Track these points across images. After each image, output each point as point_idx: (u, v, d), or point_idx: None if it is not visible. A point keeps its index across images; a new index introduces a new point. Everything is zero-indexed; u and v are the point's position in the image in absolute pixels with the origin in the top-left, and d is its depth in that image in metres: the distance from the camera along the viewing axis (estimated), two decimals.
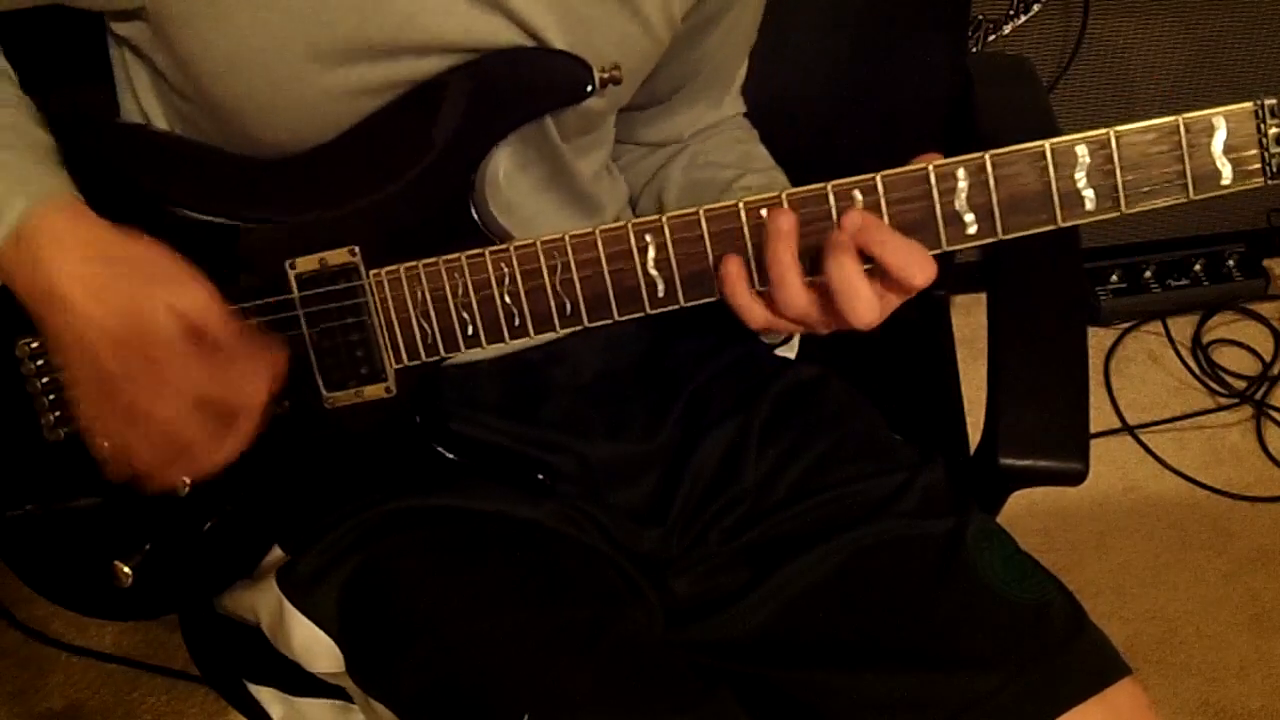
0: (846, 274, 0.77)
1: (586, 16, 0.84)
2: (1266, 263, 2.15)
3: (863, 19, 1.27)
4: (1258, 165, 0.76)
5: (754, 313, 0.81)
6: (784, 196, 0.79)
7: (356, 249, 0.84)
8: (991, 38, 1.86)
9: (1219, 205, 2.09)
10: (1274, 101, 0.75)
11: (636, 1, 0.86)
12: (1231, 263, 2.11)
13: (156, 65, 0.85)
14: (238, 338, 0.82)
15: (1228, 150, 0.75)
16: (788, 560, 0.93)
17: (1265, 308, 2.14)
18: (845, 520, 0.95)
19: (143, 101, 0.89)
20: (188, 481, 0.87)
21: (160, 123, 0.90)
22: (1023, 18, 1.85)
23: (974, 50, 1.84)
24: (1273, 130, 0.75)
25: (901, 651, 0.89)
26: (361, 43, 0.80)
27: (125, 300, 0.79)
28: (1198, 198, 0.77)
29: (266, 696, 1.02)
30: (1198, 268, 2.10)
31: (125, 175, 0.88)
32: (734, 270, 0.79)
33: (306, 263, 0.85)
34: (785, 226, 0.77)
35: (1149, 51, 1.90)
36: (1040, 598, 0.91)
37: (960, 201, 0.78)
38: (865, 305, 0.77)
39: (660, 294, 0.82)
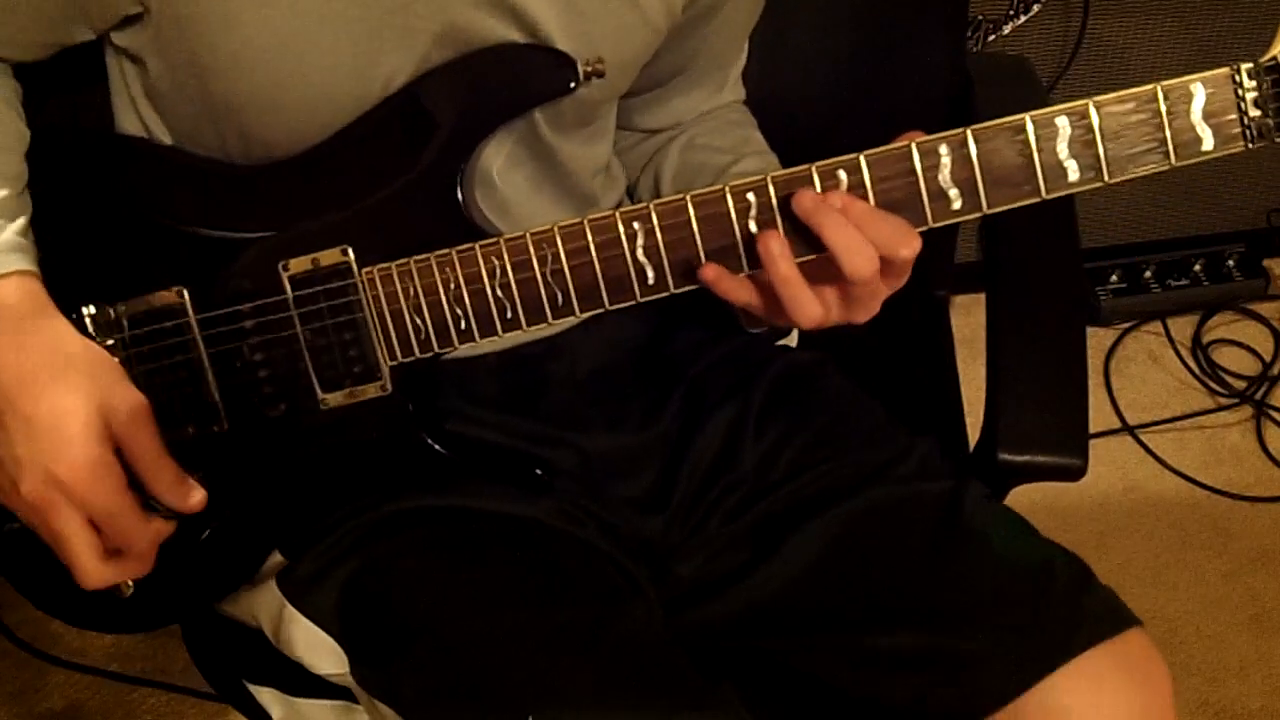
0: (844, 233, 0.77)
1: (586, 10, 0.85)
2: (1266, 263, 2.15)
3: (863, 19, 1.27)
4: (1238, 130, 0.77)
5: (740, 296, 0.82)
6: (769, 179, 0.79)
7: (349, 248, 0.84)
8: (991, 38, 1.86)
9: (1219, 205, 2.09)
10: (1250, 65, 0.76)
11: None
12: (1231, 263, 2.11)
13: (156, 70, 0.85)
14: (161, 469, 0.81)
15: (1207, 116, 0.76)
16: (789, 534, 0.94)
17: (1265, 308, 2.14)
18: (843, 488, 0.95)
19: (140, 110, 0.89)
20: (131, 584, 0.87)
21: (158, 130, 0.90)
22: (1023, 18, 1.85)
23: (974, 50, 1.84)
24: (1250, 94, 0.76)
25: (905, 611, 0.90)
26: (363, 40, 0.80)
27: (55, 396, 0.77)
28: (1180, 164, 0.77)
29: (267, 697, 1.02)
30: (1198, 268, 2.10)
31: (119, 185, 0.87)
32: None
33: (299, 264, 0.84)
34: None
35: (1149, 51, 1.90)
36: (1043, 556, 0.91)
37: (944, 177, 0.78)
38: (864, 259, 0.77)
39: (650, 281, 0.82)
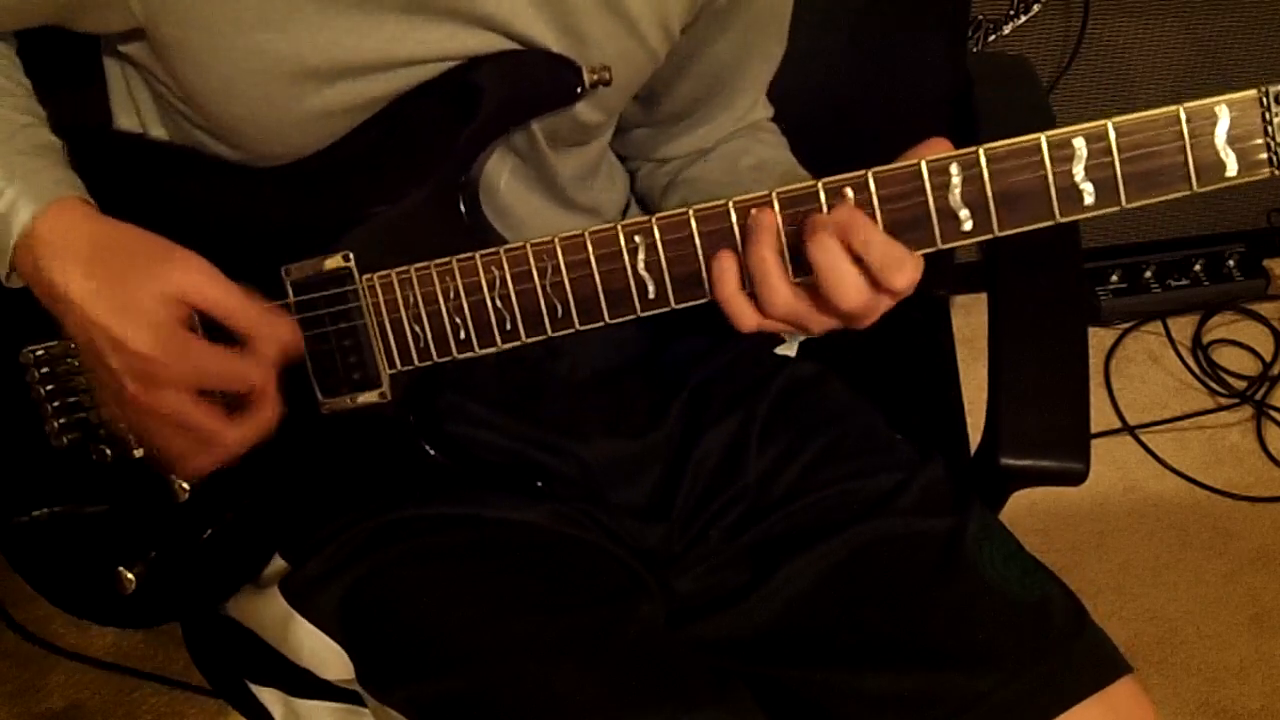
0: (830, 256, 0.75)
1: (585, 34, 0.84)
2: (1266, 263, 2.14)
3: (862, 19, 1.27)
4: (1264, 155, 0.72)
5: (745, 314, 0.79)
6: (774, 195, 0.77)
7: (350, 254, 0.84)
8: (991, 38, 1.86)
9: (1219, 205, 2.09)
10: (1279, 88, 0.71)
11: (633, 17, 0.86)
12: (1231, 263, 2.11)
13: (158, 79, 0.85)
14: (243, 310, 0.81)
15: (1232, 140, 0.72)
16: (789, 558, 0.93)
17: (1265, 308, 2.14)
18: (845, 517, 0.95)
19: (144, 118, 0.89)
20: (185, 487, 0.87)
21: (157, 133, 0.90)
22: (1023, 18, 1.85)
23: (974, 50, 1.84)
24: (1278, 119, 0.71)
25: (902, 650, 0.90)
26: (358, 61, 0.80)
27: (117, 298, 0.78)
28: (1202, 190, 0.73)
29: (268, 697, 1.02)
30: (1198, 268, 2.10)
31: (120, 183, 0.87)
32: (725, 265, 0.78)
33: (301, 268, 0.85)
34: (766, 222, 0.76)
35: (1149, 52, 1.90)
36: (1041, 595, 0.91)
37: (954, 197, 0.75)
38: (852, 288, 0.75)
39: (651, 296, 0.81)
